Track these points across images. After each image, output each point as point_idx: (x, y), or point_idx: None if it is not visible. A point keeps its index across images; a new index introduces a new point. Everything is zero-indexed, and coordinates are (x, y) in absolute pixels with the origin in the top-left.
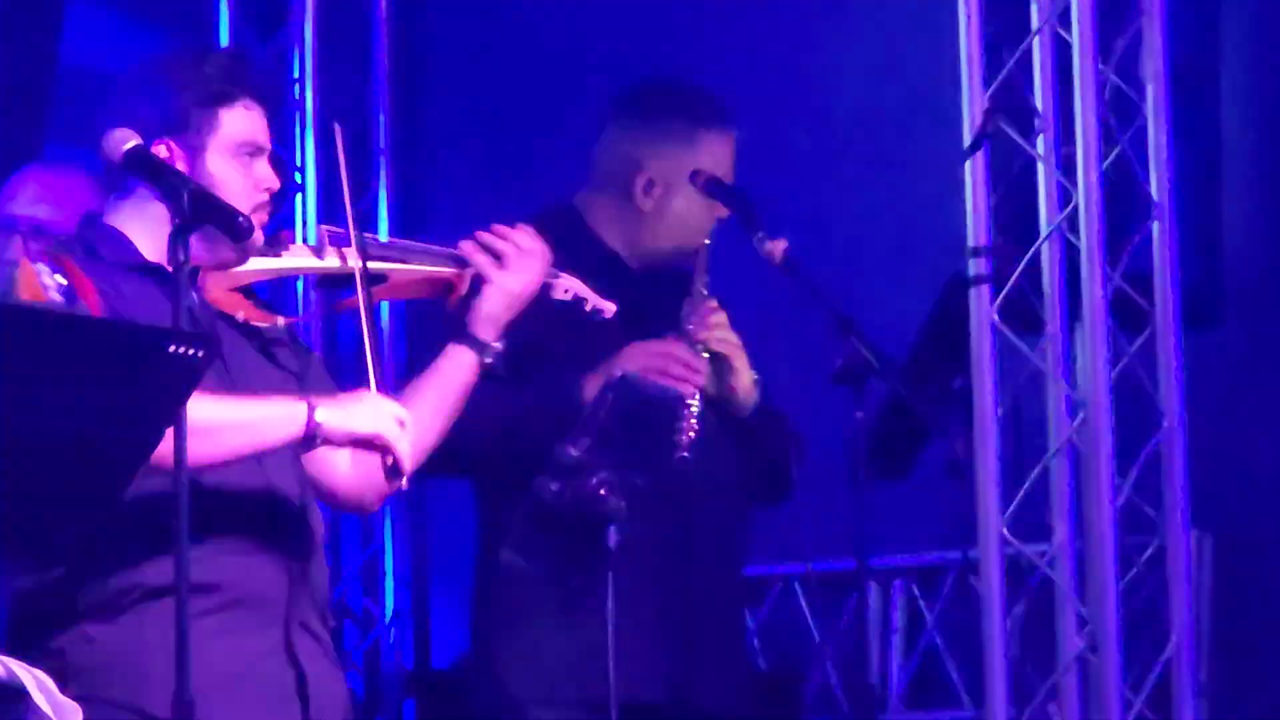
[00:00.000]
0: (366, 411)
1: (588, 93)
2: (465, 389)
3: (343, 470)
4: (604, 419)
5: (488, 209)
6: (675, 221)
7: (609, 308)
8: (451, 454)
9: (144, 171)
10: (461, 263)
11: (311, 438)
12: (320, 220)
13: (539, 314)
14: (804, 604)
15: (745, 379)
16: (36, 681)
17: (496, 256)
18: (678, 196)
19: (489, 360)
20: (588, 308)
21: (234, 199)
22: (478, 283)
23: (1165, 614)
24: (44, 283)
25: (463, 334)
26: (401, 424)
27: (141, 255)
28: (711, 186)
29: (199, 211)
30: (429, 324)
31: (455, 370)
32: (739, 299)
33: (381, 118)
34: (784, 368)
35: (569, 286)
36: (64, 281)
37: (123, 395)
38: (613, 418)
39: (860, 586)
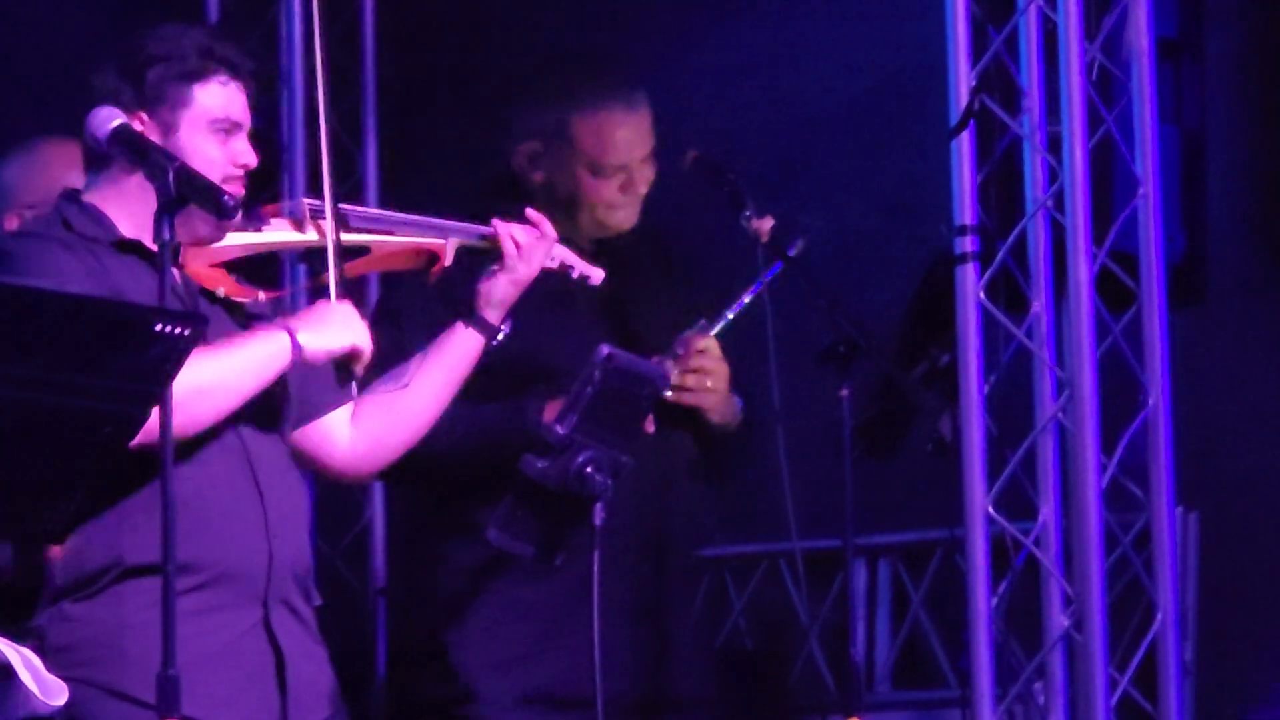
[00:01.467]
0: (339, 326)
1: None
2: (469, 369)
3: (341, 443)
4: (591, 397)
5: (474, 184)
6: (567, 197)
7: (597, 274)
8: (411, 465)
9: (129, 150)
10: (445, 234)
11: (298, 363)
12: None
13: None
14: (790, 582)
15: (720, 414)
16: (23, 659)
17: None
18: (562, 172)
19: (495, 343)
20: (575, 275)
21: (206, 173)
22: (463, 256)
23: (1151, 592)
24: None
25: (471, 316)
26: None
27: (121, 232)
28: (699, 166)
29: (184, 190)
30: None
31: (462, 351)
32: (724, 277)
33: (369, 94)
34: (770, 346)
35: (556, 254)
36: None
37: (109, 373)
38: (599, 396)
39: (846, 565)
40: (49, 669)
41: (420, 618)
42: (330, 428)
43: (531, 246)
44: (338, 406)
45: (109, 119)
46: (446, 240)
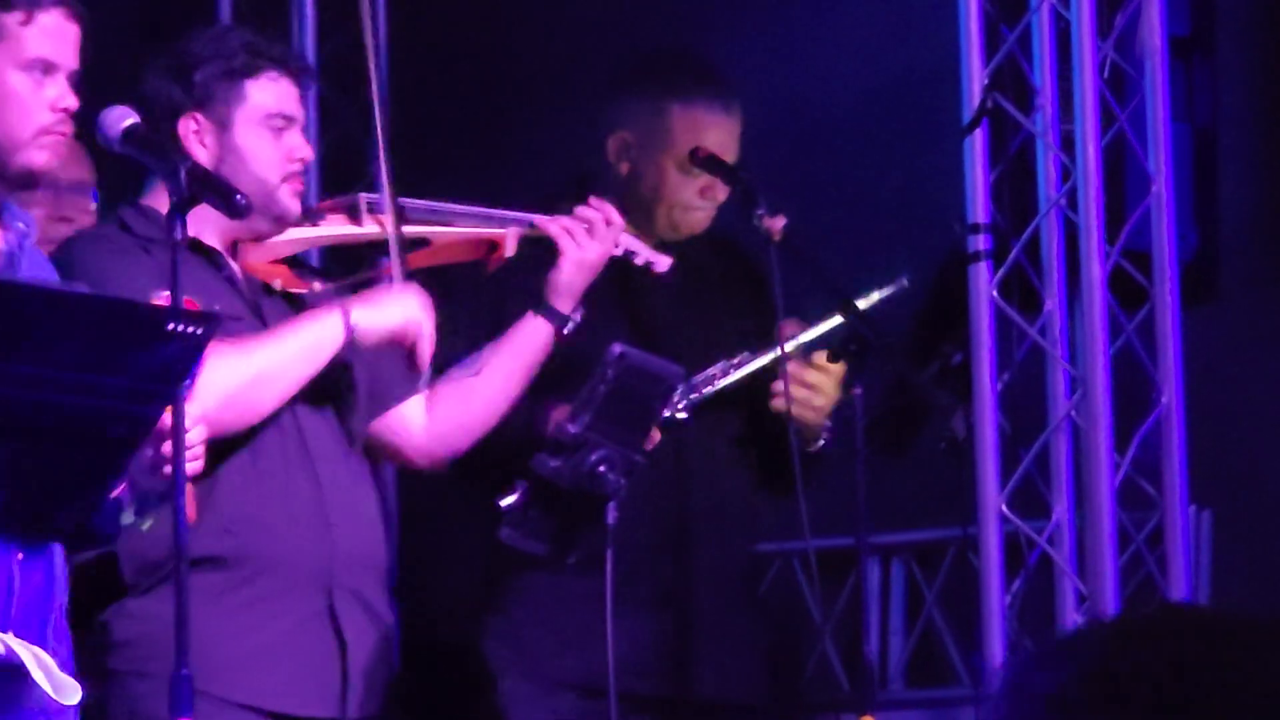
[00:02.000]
0: (396, 305)
1: (590, 64)
2: (541, 358)
3: (416, 431)
4: (604, 396)
5: (491, 181)
6: (649, 192)
7: (663, 261)
8: (477, 457)
9: (142, 149)
10: (504, 224)
11: (351, 341)
12: (323, 195)
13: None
14: (803, 581)
15: (807, 432)
16: (36, 659)
17: (574, 228)
18: (650, 164)
19: (566, 331)
20: (639, 261)
21: (264, 170)
22: (526, 245)
23: (1164, 590)
24: None
25: (541, 306)
26: (425, 315)
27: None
28: (709, 162)
29: (196, 188)
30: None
31: (533, 341)
32: None
33: (382, 90)
34: (781, 344)
35: (620, 241)
36: None
37: (122, 373)
38: (613, 394)
39: (859, 564)
40: (111, 663)
41: (448, 611)
42: (405, 417)
43: (586, 232)
44: (410, 397)
45: (121, 119)
46: (506, 230)
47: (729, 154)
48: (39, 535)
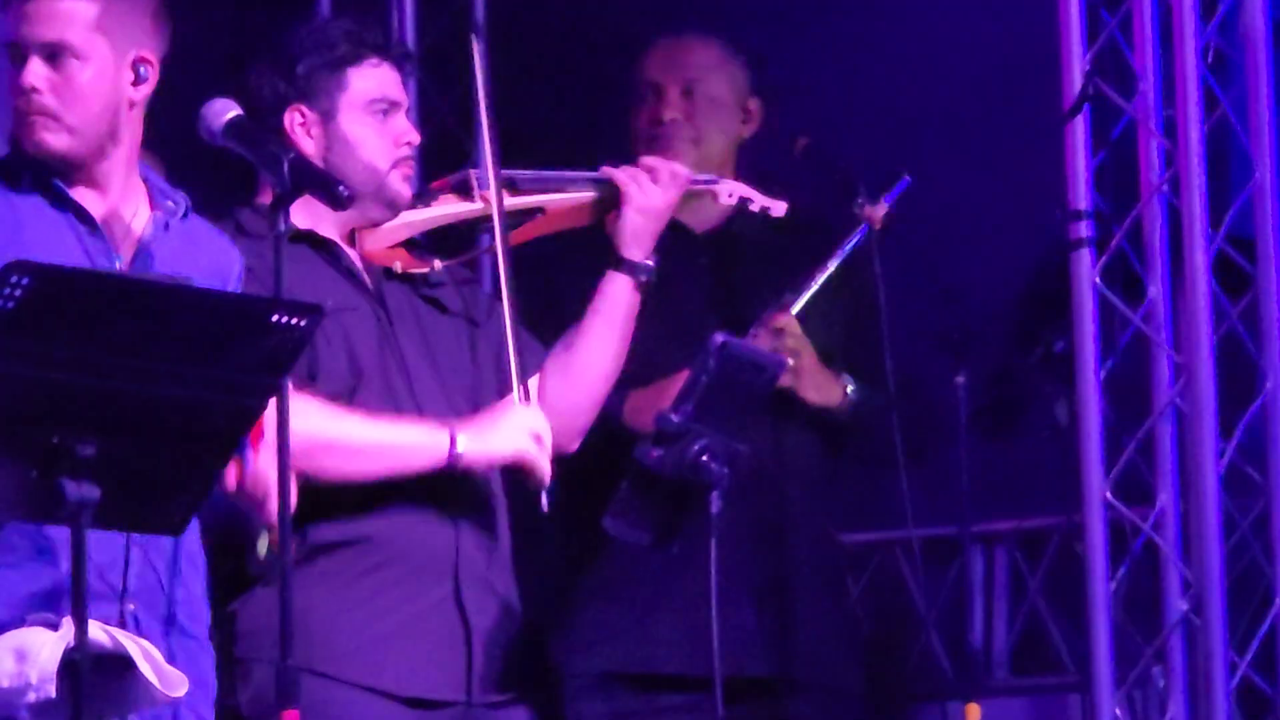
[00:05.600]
0: (505, 436)
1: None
2: (630, 313)
3: None
4: (706, 385)
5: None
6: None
7: (778, 206)
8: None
9: (244, 142)
10: (613, 185)
11: (453, 466)
12: (422, 187)
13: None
14: (906, 570)
15: (816, 392)
16: (143, 651)
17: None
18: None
19: (643, 279)
20: (755, 207)
21: (372, 157)
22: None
23: (1270, 575)
24: None
25: (615, 260)
26: (539, 440)
27: (294, 224)
28: (809, 153)
29: (299, 180)
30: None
31: (615, 297)
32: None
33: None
34: (884, 333)
35: (732, 190)
36: None
37: (225, 365)
38: (715, 384)
39: (963, 552)
40: (238, 651)
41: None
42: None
43: (651, 178)
44: (532, 375)
45: (223, 111)
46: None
47: (676, 71)
48: (150, 528)
